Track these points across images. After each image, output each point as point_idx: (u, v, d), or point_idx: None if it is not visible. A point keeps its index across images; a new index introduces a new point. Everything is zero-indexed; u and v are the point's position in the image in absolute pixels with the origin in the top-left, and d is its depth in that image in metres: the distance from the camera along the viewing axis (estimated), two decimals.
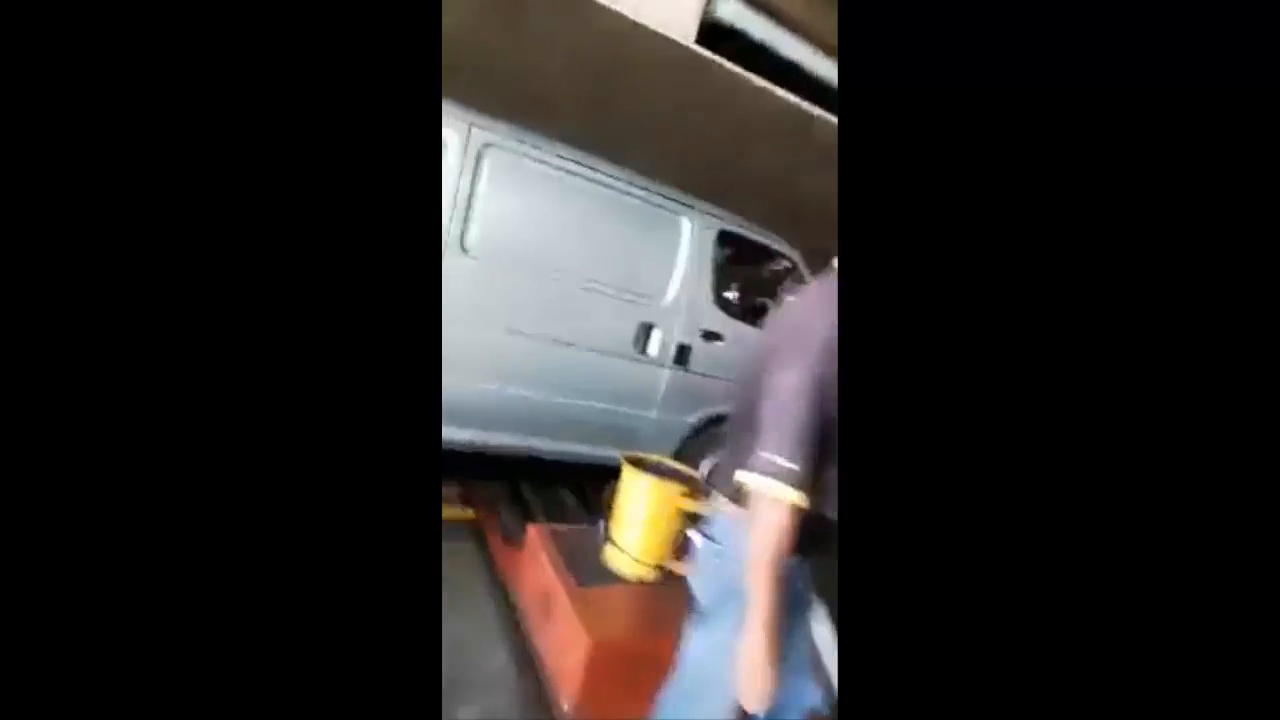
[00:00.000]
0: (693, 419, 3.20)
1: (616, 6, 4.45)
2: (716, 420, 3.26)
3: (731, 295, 3.56)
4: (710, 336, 3.14)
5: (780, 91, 5.32)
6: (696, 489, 2.15)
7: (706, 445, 3.32)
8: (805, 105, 5.45)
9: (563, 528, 2.46)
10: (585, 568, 2.13)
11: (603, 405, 2.97)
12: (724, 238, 3.20)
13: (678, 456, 3.26)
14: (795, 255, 3.49)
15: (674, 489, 2.04)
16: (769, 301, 3.83)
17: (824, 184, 5.72)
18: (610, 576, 2.08)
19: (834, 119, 5.68)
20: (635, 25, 4.58)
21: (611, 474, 2.18)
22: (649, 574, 2.07)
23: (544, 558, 2.19)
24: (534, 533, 2.34)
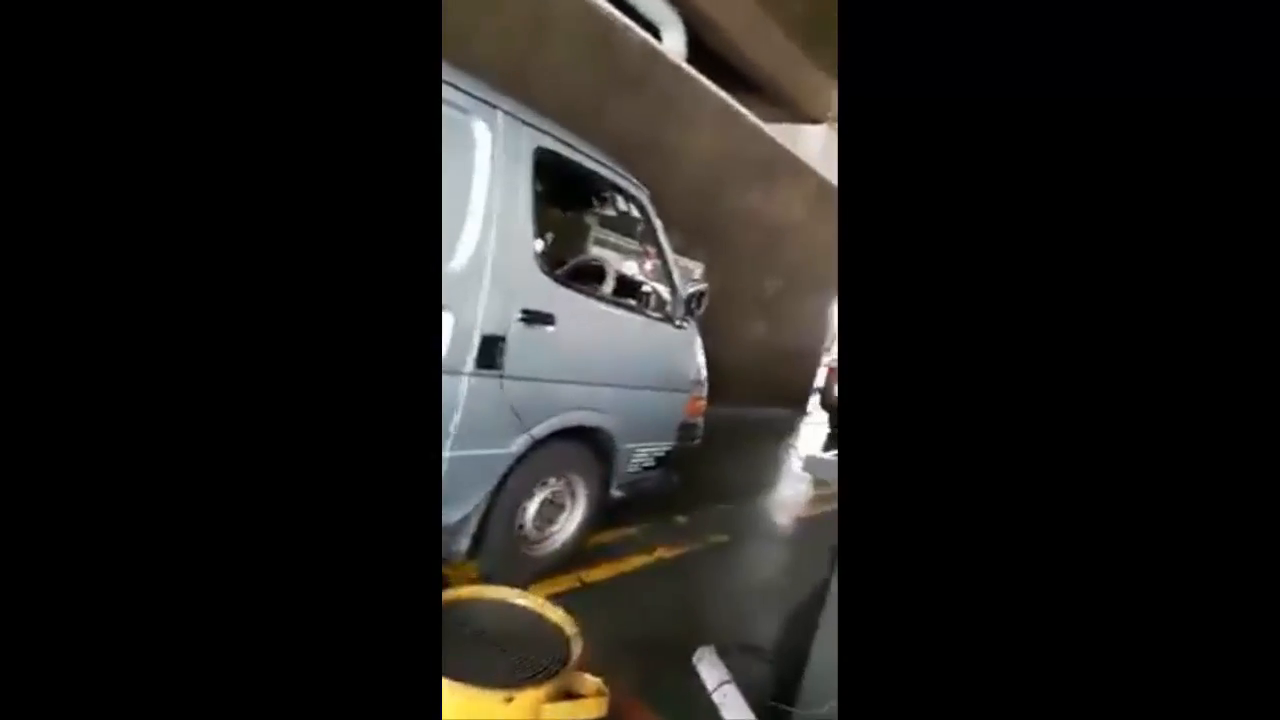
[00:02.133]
0: (515, 447, 2.05)
1: None
2: (559, 436, 2.16)
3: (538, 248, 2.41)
4: (535, 319, 2.00)
5: None
6: (577, 669, 1.07)
7: (536, 478, 2.24)
8: (607, 7, 4.37)
9: None
10: None
11: None
12: (542, 161, 2.05)
13: (492, 504, 2.14)
14: (643, 195, 2.47)
15: (529, 697, 0.95)
16: (604, 262, 2.79)
17: (632, 115, 4.79)
18: None
19: (640, 34, 4.72)
20: None
21: None
22: None
23: None
24: None
